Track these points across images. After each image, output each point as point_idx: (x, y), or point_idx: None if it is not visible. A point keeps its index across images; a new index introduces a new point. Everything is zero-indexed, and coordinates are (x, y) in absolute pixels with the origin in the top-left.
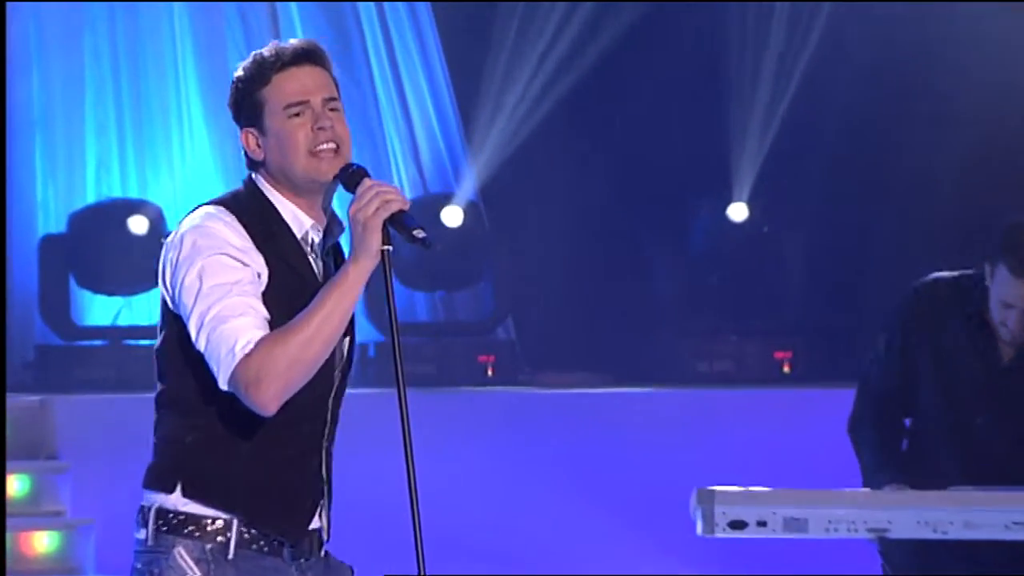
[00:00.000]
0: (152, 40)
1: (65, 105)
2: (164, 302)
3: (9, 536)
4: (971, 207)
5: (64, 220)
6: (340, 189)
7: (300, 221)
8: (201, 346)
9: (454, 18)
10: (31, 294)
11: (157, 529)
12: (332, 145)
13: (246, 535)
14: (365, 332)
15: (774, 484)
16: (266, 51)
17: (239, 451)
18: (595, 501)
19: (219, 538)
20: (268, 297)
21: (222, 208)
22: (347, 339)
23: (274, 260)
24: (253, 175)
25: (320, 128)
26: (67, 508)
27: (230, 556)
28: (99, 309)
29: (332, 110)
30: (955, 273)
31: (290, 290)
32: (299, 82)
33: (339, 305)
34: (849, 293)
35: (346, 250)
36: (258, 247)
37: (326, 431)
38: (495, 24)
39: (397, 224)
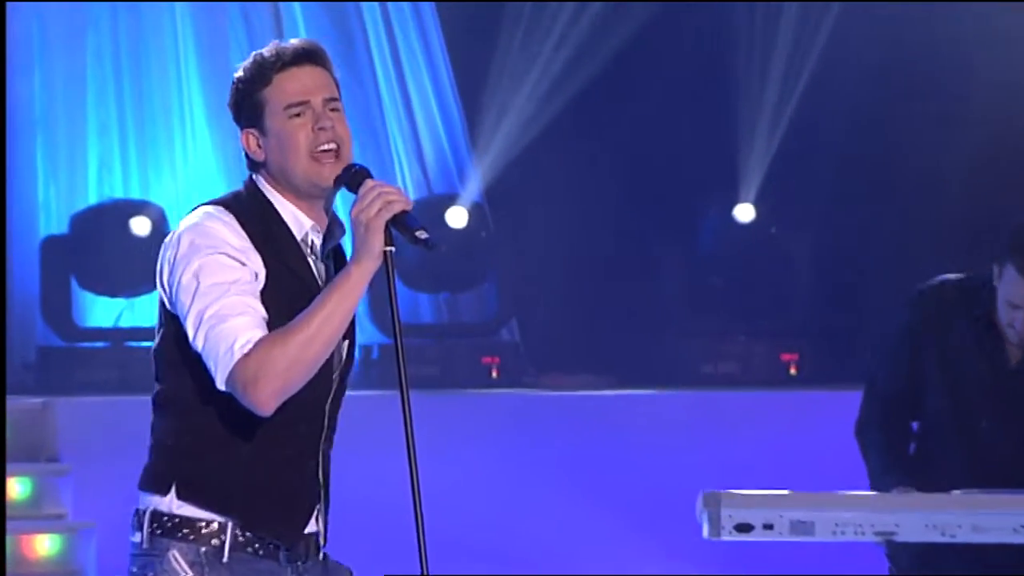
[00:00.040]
0: (155, 40)
1: (67, 105)
2: (162, 302)
3: (10, 539)
4: (979, 208)
5: (66, 221)
6: (343, 189)
7: (300, 222)
8: (199, 345)
9: (459, 18)
10: (32, 295)
11: (152, 532)
12: (333, 145)
13: (241, 538)
14: (369, 334)
15: (780, 487)
16: (266, 51)
17: (234, 453)
18: (600, 504)
19: (214, 541)
20: (265, 298)
21: (221, 208)
22: (346, 342)
23: (272, 261)
24: (254, 176)
25: (321, 128)
26: (68, 511)
27: (225, 559)
28: (101, 310)
29: (333, 110)
30: (962, 275)
31: (288, 291)
32: (300, 82)
33: (340, 306)
34: (856, 295)
35: (348, 252)
36: (256, 247)
37: (323, 434)
38: (502, 24)
39: (400, 225)
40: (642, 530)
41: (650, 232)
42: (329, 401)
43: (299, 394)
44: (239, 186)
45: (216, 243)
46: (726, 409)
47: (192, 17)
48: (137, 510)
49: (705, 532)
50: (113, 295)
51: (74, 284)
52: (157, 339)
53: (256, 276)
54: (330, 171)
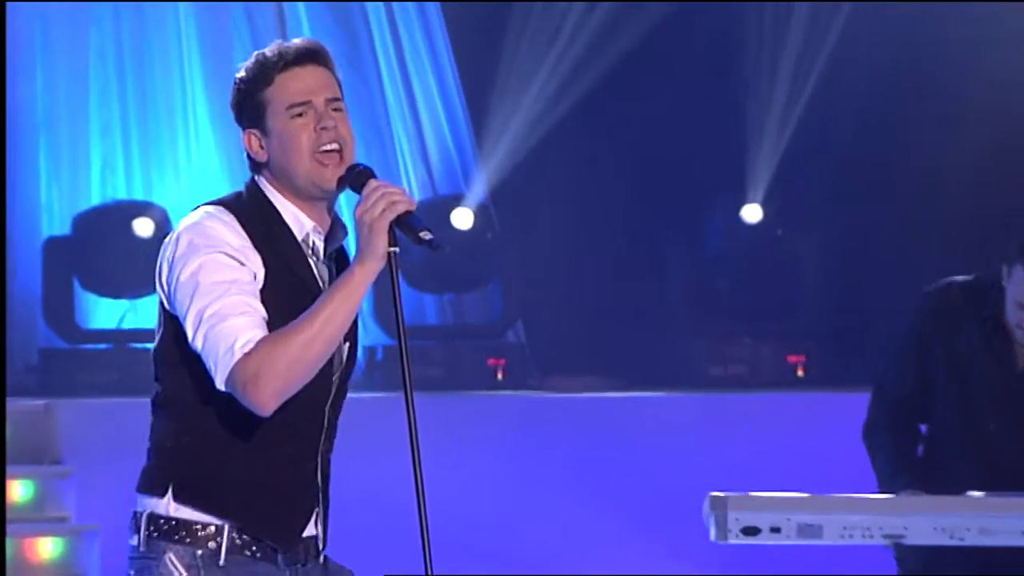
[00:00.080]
0: (158, 39)
1: (69, 105)
2: (161, 302)
3: (13, 542)
4: (987, 208)
5: (68, 222)
6: (347, 190)
7: (301, 223)
8: (198, 344)
9: (466, 18)
10: (35, 297)
11: (149, 535)
12: (335, 146)
13: (237, 541)
14: (373, 335)
15: (788, 489)
16: (268, 51)
17: (231, 455)
18: (606, 507)
19: (210, 544)
20: (264, 297)
21: (221, 208)
22: (347, 344)
23: (272, 260)
24: (256, 177)
25: (323, 128)
26: (71, 514)
27: (221, 562)
28: (103, 312)
29: (336, 110)
30: (970, 277)
31: (288, 292)
32: (302, 82)
33: (343, 307)
34: (863, 296)
35: (352, 254)
36: (256, 247)
37: (322, 437)
38: (509, 24)
39: (404, 226)
40: (649, 533)
41: (657, 233)
42: (329, 403)
43: (298, 396)
44: (242, 187)
45: (215, 242)
46: (732, 411)
47: (195, 17)
48: (135, 512)
49: (712, 535)
50: (116, 297)
51: (76, 285)
52: (156, 340)
53: (255, 276)
54: (332, 173)
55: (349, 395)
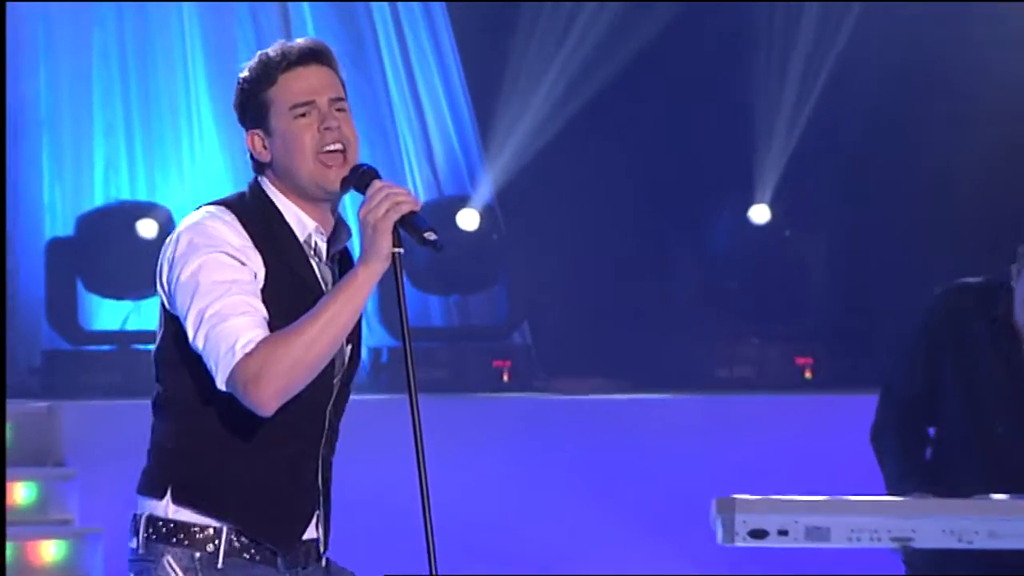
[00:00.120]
0: (161, 39)
1: (73, 105)
2: (161, 302)
3: (16, 545)
4: (997, 209)
5: (72, 223)
6: (351, 191)
7: (303, 224)
8: (199, 344)
9: (474, 18)
10: (38, 298)
11: (147, 537)
12: (339, 146)
13: (236, 543)
14: (378, 336)
15: (795, 492)
16: (272, 51)
17: (230, 457)
18: (613, 509)
19: (208, 546)
20: (265, 298)
21: (223, 208)
22: (350, 346)
23: (272, 260)
24: (259, 177)
25: (327, 129)
26: (75, 516)
27: (219, 565)
28: (107, 313)
29: (339, 110)
30: (980, 278)
31: (288, 292)
32: (306, 82)
33: (346, 307)
34: (872, 298)
35: (356, 255)
36: (257, 247)
37: (323, 440)
38: (518, 25)
39: (408, 226)
40: (655, 535)
41: (664, 234)
42: (330, 405)
43: (298, 398)
44: (246, 188)
45: (216, 242)
46: (740, 413)
47: (199, 16)
48: (135, 515)
49: (719, 538)
50: (119, 298)
51: (80, 287)
52: (157, 340)
53: (255, 276)
54: (336, 174)
55: (353, 397)
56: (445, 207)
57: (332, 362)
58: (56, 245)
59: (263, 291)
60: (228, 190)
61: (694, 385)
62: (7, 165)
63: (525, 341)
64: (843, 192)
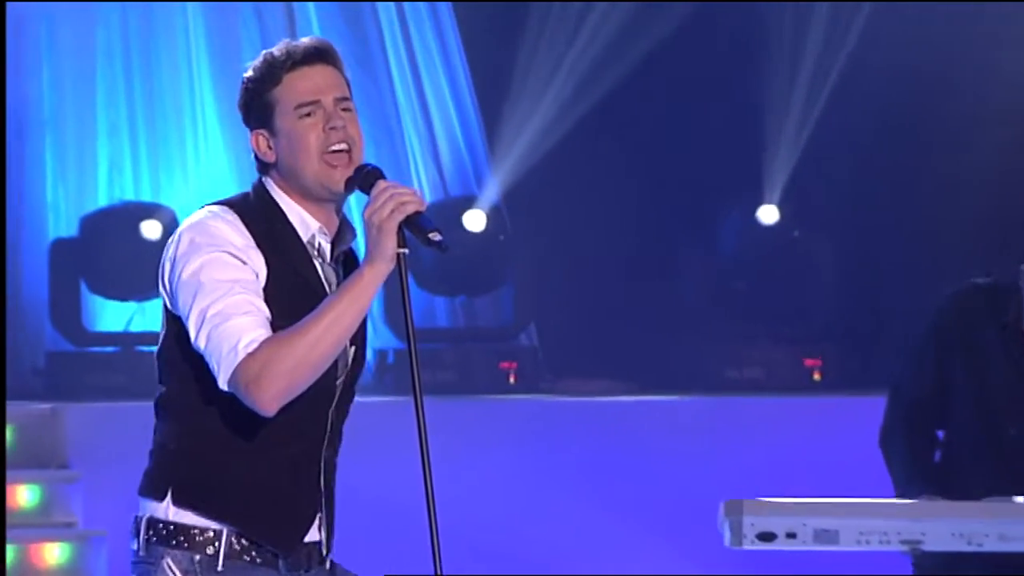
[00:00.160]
0: (166, 39)
1: (76, 105)
2: (164, 302)
3: (19, 548)
4: (1006, 210)
5: (75, 223)
6: (356, 191)
7: (307, 224)
8: (201, 344)
9: (482, 19)
10: (41, 299)
11: (148, 539)
12: (344, 146)
13: (236, 546)
14: (383, 338)
15: (804, 494)
16: (276, 50)
17: (231, 459)
18: (620, 512)
19: (208, 549)
20: (267, 298)
21: (225, 208)
22: (353, 348)
23: (274, 260)
24: (263, 178)
25: (332, 128)
26: (79, 519)
27: (219, 567)
28: (111, 315)
29: (344, 110)
30: (990, 280)
31: (290, 292)
32: (311, 81)
33: (350, 308)
34: (881, 299)
35: (361, 256)
36: (259, 246)
37: (325, 442)
38: (527, 25)
39: (413, 226)
40: (662, 537)
41: (672, 234)
42: (332, 407)
43: (300, 399)
44: (250, 188)
45: (218, 241)
46: (747, 415)
47: (204, 16)
48: (136, 516)
49: (727, 540)
50: (123, 299)
51: (83, 288)
52: (159, 340)
53: (257, 276)
54: (341, 174)
55: (358, 399)
56: (451, 208)
57: (335, 363)
58: (60, 246)
59: (265, 291)
60: (233, 190)
61: (702, 387)
62: (11, 165)
63: (532, 343)
64: (852, 193)
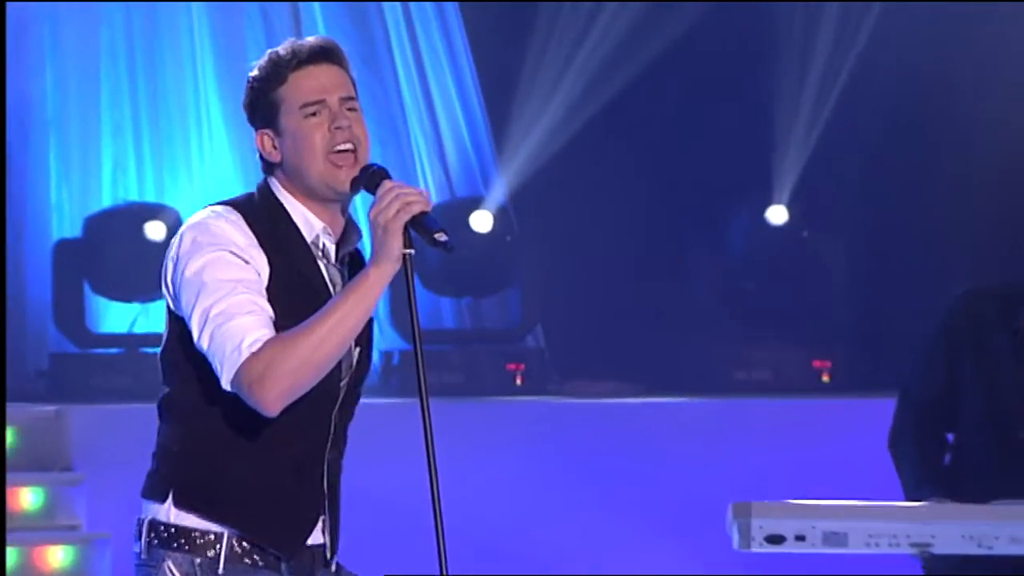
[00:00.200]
0: (170, 38)
1: (80, 105)
2: (167, 303)
3: (23, 551)
4: (1017, 211)
5: (79, 224)
6: (362, 191)
7: (311, 224)
8: (204, 343)
9: (490, 19)
10: (45, 300)
11: (149, 542)
12: (349, 146)
13: (237, 548)
14: (389, 339)
15: (813, 497)
16: (282, 49)
17: (233, 461)
18: (628, 514)
19: (209, 552)
20: (269, 298)
21: (228, 208)
22: (358, 349)
23: (277, 259)
24: (268, 178)
25: (337, 128)
26: (83, 521)
27: (220, 571)
28: (115, 316)
29: (350, 110)
30: (1000, 284)
31: (293, 292)
32: (316, 81)
33: (356, 308)
34: (890, 300)
35: (367, 256)
36: (261, 246)
37: (328, 444)
38: (536, 25)
39: (419, 227)
40: (670, 540)
41: (680, 234)
42: (336, 409)
43: (303, 401)
44: (255, 188)
45: (221, 241)
46: (756, 417)
47: (208, 16)
48: (139, 519)
49: (735, 543)
50: (127, 300)
51: (87, 289)
52: (163, 342)
53: (259, 276)
54: (346, 174)
55: (364, 401)
56: (457, 209)
57: (339, 365)
58: (63, 247)
59: (267, 292)
60: (238, 191)
61: (710, 388)
62: (15, 165)
63: (539, 344)
64: (862, 193)
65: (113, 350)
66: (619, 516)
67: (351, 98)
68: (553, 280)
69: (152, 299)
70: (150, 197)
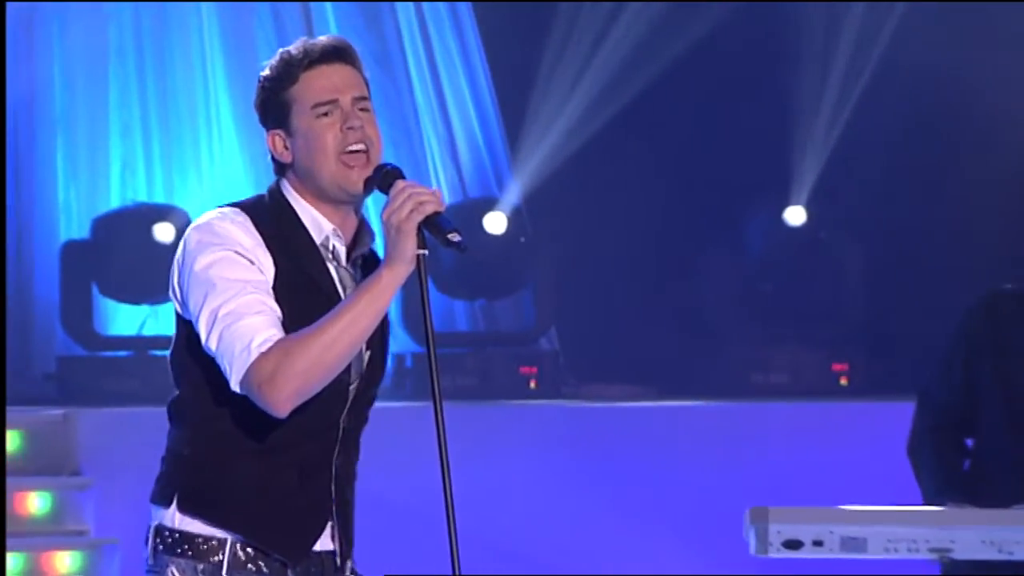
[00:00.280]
0: (179, 38)
1: (88, 105)
2: (175, 306)
3: (30, 556)
4: None
5: (87, 225)
6: (375, 192)
7: (320, 226)
8: (212, 344)
9: (499, 19)
10: (52, 302)
11: (155, 548)
12: (362, 146)
13: (242, 555)
14: (402, 342)
15: (831, 501)
16: (294, 49)
17: (237, 465)
18: (643, 519)
19: (213, 558)
20: (276, 299)
21: (236, 209)
22: (369, 353)
23: (283, 261)
24: (279, 179)
25: (350, 128)
26: (91, 526)
27: None
28: (123, 318)
29: (362, 110)
30: (1020, 287)
31: (300, 294)
32: (328, 80)
33: (368, 310)
34: (909, 303)
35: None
36: (268, 247)
37: (336, 448)
38: (553, 25)
39: (432, 227)
40: (686, 545)
41: (697, 236)
42: (344, 414)
43: (311, 405)
44: (265, 190)
45: (227, 241)
46: (773, 421)
47: (218, 15)
48: (148, 525)
49: (752, 548)
50: (136, 302)
51: (95, 291)
52: (172, 344)
53: (266, 277)
54: (358, 175)
55: (378, 404)
56: (471, 210)
57: (348, 368)
58: (71, 248)
59: (273, 293)
60: (248, 192)
61: (727, 392)
62: (22, 165)
63: (553, 347)
64: (881, 194)
65: (121, 353)
66: (634, 521)
67: (364, 98)
68: (567, 282)
69: (161, 301)
70: (159, 198)
